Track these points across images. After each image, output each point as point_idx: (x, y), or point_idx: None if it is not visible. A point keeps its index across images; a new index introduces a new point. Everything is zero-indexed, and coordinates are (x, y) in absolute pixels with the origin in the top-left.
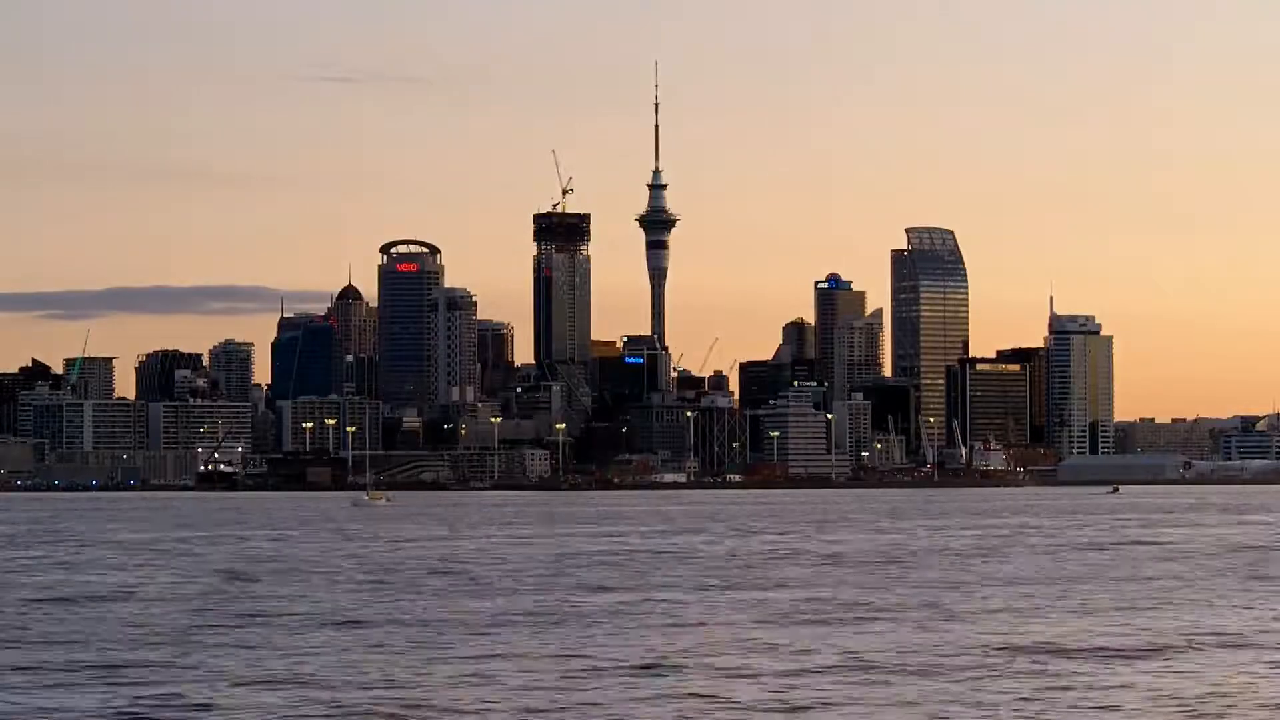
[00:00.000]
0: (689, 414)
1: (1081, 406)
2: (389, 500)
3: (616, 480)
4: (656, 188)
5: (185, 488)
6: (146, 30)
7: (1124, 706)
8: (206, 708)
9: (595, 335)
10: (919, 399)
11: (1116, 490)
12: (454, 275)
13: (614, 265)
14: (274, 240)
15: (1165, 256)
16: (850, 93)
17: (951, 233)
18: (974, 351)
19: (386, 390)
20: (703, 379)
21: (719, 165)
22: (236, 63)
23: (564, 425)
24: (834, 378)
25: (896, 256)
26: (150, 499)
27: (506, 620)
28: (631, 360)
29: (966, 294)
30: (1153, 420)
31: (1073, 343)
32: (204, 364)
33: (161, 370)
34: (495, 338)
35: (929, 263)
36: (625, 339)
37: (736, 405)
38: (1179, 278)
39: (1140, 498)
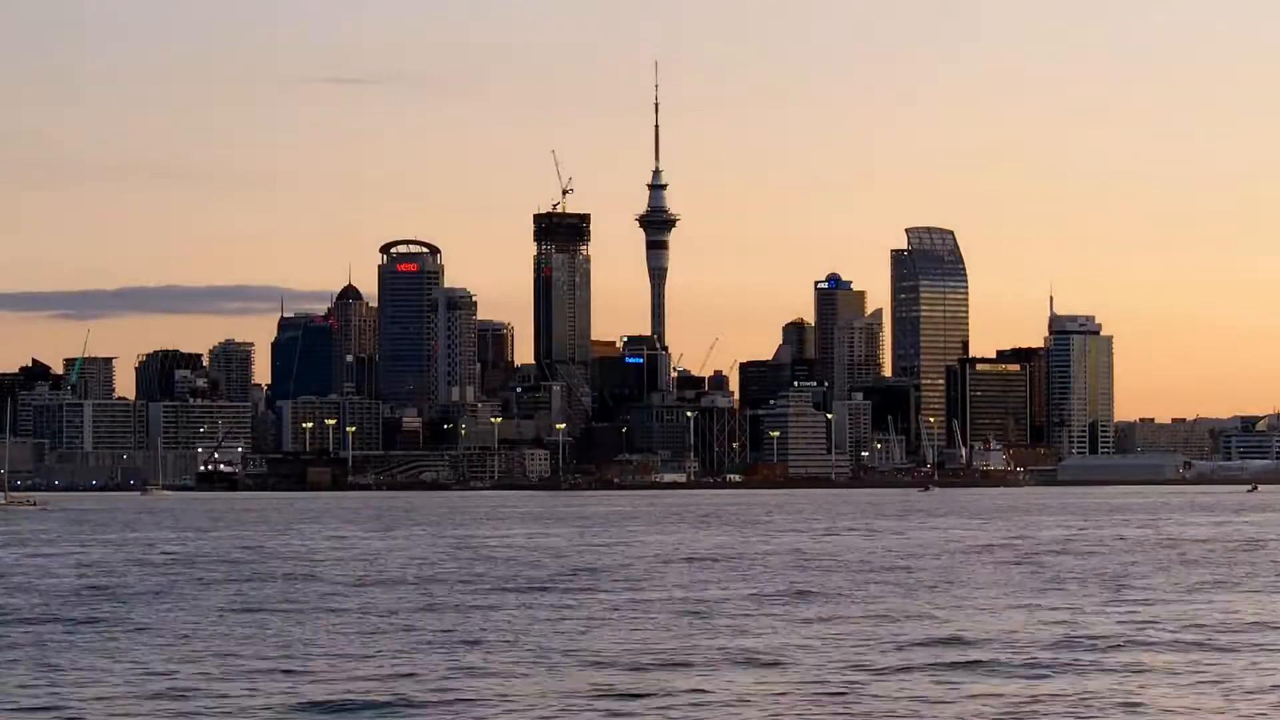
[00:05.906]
0: (689, 414)
1: (1081, 406)
2: (34, 503)
3: (616, 480)
4: (656, 188)
5: (185, 488)
6: (149, 32)
7: None
8: None
9: (595, 335)
10: (919, 399)
11: (1255, 489)
12: (454, 275)
13: (614, 265)
14: (274, 240)
15: (1165, 257)
16: (850, 93)
17: (951, 233)
18: (974, 351)
19: (386, 390)
20: (703, 379)
21: (719, 165)
22: (238, 63)
23: (564, 425)
24: (834, 378)
25: (896, 256)
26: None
27: None
28: (631, 360)
29: (966, 294)
30: (1153, 420)
31: (1073, 343)
32: (204, 364)
33: (161, 370)
34: (495, 338)
35: (929, 263)
36: (625, 339)
37: (736, 405)
38: (1179, 278)
39: None
